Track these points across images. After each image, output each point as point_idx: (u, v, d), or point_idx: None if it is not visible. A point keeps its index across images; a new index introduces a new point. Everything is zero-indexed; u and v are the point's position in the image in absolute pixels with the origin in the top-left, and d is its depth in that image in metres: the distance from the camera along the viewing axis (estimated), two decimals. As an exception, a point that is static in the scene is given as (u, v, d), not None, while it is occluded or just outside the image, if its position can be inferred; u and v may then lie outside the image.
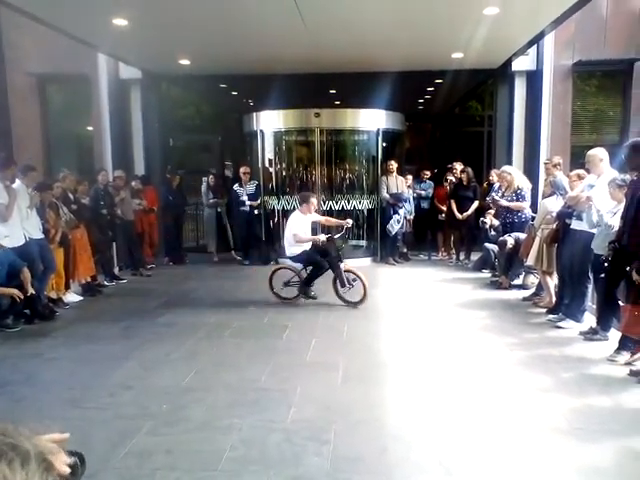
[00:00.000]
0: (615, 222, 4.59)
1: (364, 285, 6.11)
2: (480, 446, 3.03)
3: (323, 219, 7.06)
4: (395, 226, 8.94)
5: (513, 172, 7.36)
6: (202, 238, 10.54)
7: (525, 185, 7.19)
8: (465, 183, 8.72)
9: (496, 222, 7.48)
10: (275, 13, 6.34)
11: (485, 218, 7.60)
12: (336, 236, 6.68)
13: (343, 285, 6.24)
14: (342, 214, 10.19)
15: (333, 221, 7.11)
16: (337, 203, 9.31)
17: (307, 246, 6.50)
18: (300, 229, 6.46)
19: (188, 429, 3.26)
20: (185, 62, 8.77)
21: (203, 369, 4.28)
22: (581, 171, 5.61)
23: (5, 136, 9.14)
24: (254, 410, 3.51)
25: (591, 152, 5.18)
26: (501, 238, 7.05)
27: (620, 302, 4.54)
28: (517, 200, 7.09)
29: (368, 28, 6.95)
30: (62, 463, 0.84)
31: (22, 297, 5.28)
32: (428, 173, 9.99)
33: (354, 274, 6.23)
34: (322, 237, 6.33)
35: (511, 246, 6.79)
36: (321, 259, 6.35)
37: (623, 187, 4.60)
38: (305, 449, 2.99)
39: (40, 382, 4.09)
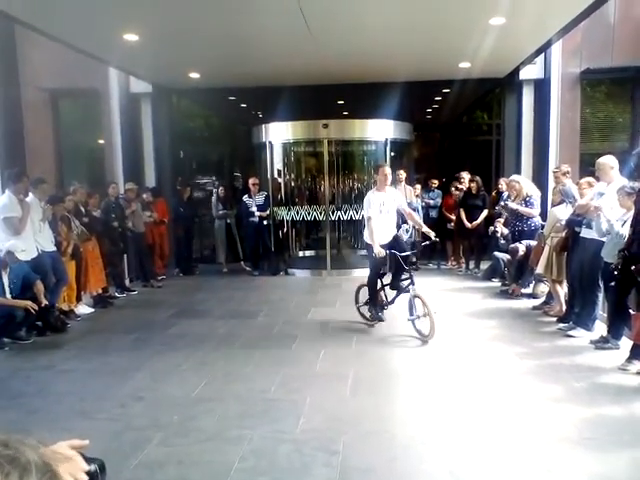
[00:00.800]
0: (625, 230, 4.57)
1: (431, 320, 5.13)
2: (491, 456, 3.02)
3: (407, 210, 5.91)
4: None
5: (522, 181, 7.35)
6: (206, 249, 10.59)
7: (534, 193, 7.17)
8: (474, 192, 8.71)
9: (505, 230, 7.46)
10: (283, 26, 6.42)
11: (495, 226, 7.59)
12: (407, 252, 5.56)
13: (411, 313, 5.42)
14: (350, 224, 10.28)
15: (416, 218, 6.12)
16: (345, 213, 9.33)
17: (382, 238, 5.57)
18: (371, 211, 5.54)
19: (199, 440, 3.28)
20: (195, 75, 8.88)
21: (213, 380, 4.31)
22: (591, 179, 5.60)
23: (18, 150, 9.28)
24: (264, 421, 3.52)
25: (601, 160, 5.16)
26: (512, 245, 7.03)
27: (631, 310, 4.51)
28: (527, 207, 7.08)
29: (375, 39, 7.01)
30: (79, 470, 0.86)
31: (36, 309, 5.35)
32: (436, 182, 10.01)
33: (424, 304, 5.23)
34: (381, 252, 5.38)
35: (522, 253, 6.77)
36: (383, 268, 5.58)
37: (632, 195, 4.58)
38: (314, 460, 2.99)
39: (52, 394, 4.14)
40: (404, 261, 5.44)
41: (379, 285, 5.77)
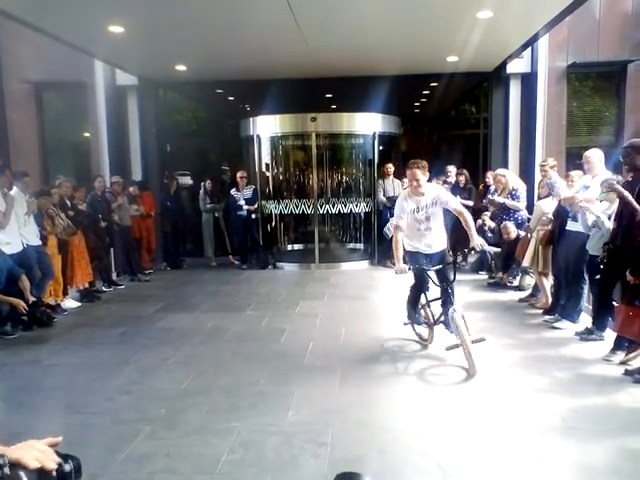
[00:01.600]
0: (610, 224, 4.63)
1: (467, 350, 4.22)
2: (477, 447, 3.05)
3: (459, 209, 4.60)
4: (391, 229, 8.95)
5: (507, 174, 7.40)
6: (193, 243, 10.53)
7: (520, 186, 7.22)
8: (462, 185, 8.75)
9: (492, 224, 7.51)
10: (270, 18, 6.38)
11: (482, 220, 7.63)
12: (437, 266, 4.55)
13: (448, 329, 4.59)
14: (339, 218, 10.29)
15: (469, 222, 4.56)
16: (334, 207, 9.34)
17: (411, 245, 4.67)
18: (399, 220, 4.54)
19: (187, 433, 3.28)
20: (181, 68, 8.80)
21: (201, 373, 4.30)
22: (579, 172, 5.64)
23: (2, 143, 9.16)
24: (252, 413, 3.53)
25: (589, 153, 5.21)
26: (503, 224, 7.05)
27: (615, 302, 4.57)
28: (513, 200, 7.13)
29: (364, 33, 6.99)
30: (49, 459, 0.89)
31: (27, 308, 5.31)
32: None
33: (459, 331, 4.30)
34: (403, 267, 4.34)
35: (514, 235, 6.79)
36: (422, 278, 4.61)
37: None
38: (303, 452, 3.01)
39: (39, 388, 4.10)
40: (438, 276, 4.56)
41: (422, 301, 4.86)
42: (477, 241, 4.47)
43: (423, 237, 4.63)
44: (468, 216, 4.60)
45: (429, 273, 4.55)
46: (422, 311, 4.90)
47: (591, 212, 4.81)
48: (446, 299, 4.54)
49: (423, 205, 4.54)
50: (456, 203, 4.72)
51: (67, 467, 0.91)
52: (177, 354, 4.79)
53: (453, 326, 4.39)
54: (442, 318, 4.65)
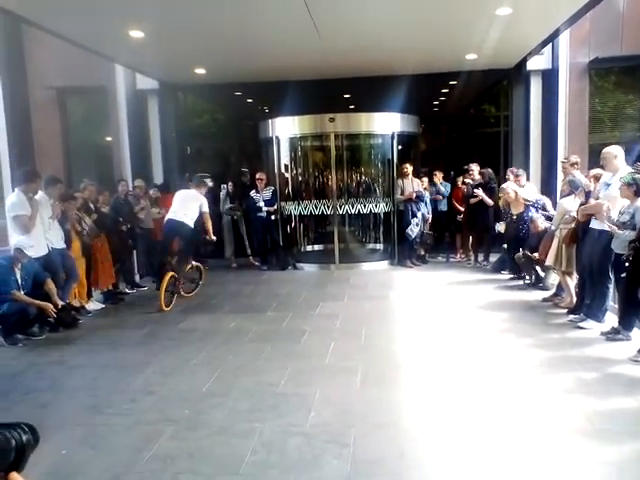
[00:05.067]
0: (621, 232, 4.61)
1: None
2: (501, 449, 3.01)
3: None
4: (414, 229, 8.92)
5: (517, 189, 7.44)
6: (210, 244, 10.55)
7: (534, 197, 7.27)
8: (484, 183, 8.67)
9: (502, 228, 7.67)
10: (288, 21, 6.41)
11: (499, 226, 7.69)
12: None
13: None
14: (358, 218, 10.26)
15: None
16: (353, 207, 9.32)
17: None
18: None
19: (209, 433, 3.30)
20: (201, 71, 8.89)
21: (223, 374, 4.32)
22: (599, 170, 5.56)
23: (28, 149, 9.35)
24: (274, 414, 3.54)
25: (606, 149, 5.17)
26: (531, 215, 7.00)
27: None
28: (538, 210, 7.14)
29: (381, 33, 6.98)
30: None
31: (56, 312, 5.43)
32: (438, 174, 9.84)
33: None
34: None
35: (542, 227, 6.70)
36: None
37: (632, 185, 4.59)
38: (325, 452, 3.00)
39: (64, 388, 4.17)
40: None
41: None
42: None
43: None
44: None
45: None
46: None
47: (612, 228, 4.75)
48: None
49: None
50: None
51: (25, 437, 0.91)
52: (199, 355, 4.83)
53: None
54: None
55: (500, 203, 7.86)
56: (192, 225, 6.83)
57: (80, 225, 6.58)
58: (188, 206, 6.83)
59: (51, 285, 5.63)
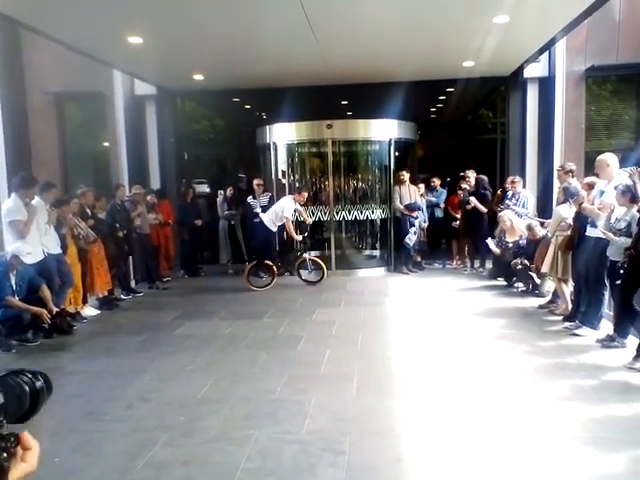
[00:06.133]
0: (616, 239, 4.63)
1: None
2: (497, 455, 3.01)
3: None
4: (412, 238, 8.95)
5: (513, 218, 7.55)
6: (209, 250, 10.57)
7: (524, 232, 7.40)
8: (476, 190, 8.71)
9: (497, 250, 7.64)
10: (286, 28, 6.43)
11: (491, 244, 7.77)
12: None
13: None
14: (355, 224, 10.26)
15: None
16: (350, 213, 9.33)
17: None
18: None
19: (205, 440, 3.29)
20: (199, 77, 8.90)
21: (219, 381, 4.31)
22: (593, 178, 5.59)
23: (25, 154, 9.34)
24: (269, 421, 3.53)
25: (599, 157, 5.23)
26: (530, 223, 7.13)
27: (637, 308, 4.48)
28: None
29: (378, 40, 7.01)
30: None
31: (50, 318, 5.41)
32: (436, 181, 9.90)
33: None
34: None
35: (540, 234, 6.75)
36: None
37: (627, 193, 4.62)
38: (320, 460, 2.99)
39: (59, 395, 4.15)
40: None
41: None
42: None
43: None
44: None
45: None
46: None
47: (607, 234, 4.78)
48: None
49: None
50: None
51: (38, 384, 0.90)
52: (195, 361, 4.81)
53: None
54: None
55: (496, 231, 7.97)
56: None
57: (76, 230, 6.56)
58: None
59: (46, 291, 5.61)
